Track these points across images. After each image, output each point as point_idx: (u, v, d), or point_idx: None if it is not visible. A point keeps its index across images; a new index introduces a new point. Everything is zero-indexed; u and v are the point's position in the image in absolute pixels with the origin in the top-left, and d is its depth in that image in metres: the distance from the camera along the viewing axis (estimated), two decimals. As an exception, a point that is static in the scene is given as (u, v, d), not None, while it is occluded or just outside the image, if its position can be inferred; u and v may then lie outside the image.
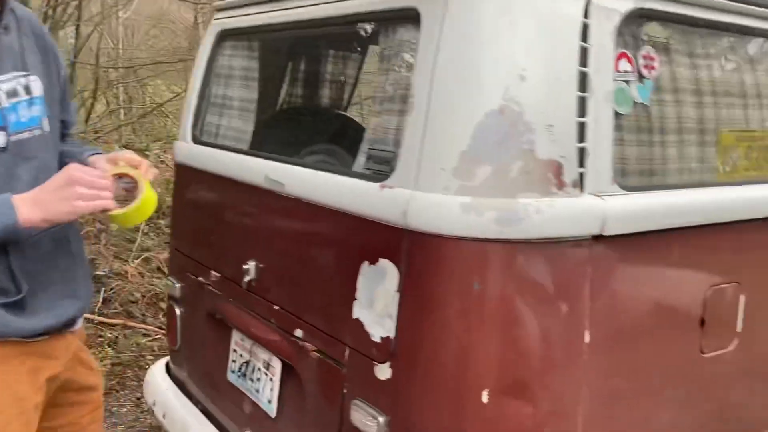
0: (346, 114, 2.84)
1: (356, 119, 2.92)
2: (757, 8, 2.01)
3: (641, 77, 1.77)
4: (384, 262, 1.62)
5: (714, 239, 1.89)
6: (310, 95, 2.53)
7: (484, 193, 1.49)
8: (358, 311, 1.69)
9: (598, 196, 1.61)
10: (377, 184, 1.65)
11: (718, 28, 1.96)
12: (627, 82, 1.73)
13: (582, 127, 1.58)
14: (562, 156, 1.54)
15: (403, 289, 1.57)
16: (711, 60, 1.96)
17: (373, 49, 2.73)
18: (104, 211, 1.49)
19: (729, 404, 2.05)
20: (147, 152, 8.65)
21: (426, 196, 1.53)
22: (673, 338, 1.83)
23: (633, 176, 1.74)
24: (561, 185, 1.54)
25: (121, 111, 9.60)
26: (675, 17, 1.84)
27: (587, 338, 1.62)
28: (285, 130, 2.55)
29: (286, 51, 2.54)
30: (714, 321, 1.90)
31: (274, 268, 2.06)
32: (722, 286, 1.92)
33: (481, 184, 1.49)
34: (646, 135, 1.78)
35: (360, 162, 1.81)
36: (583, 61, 1.60)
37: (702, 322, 1.88)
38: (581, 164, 1.58)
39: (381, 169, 1.71)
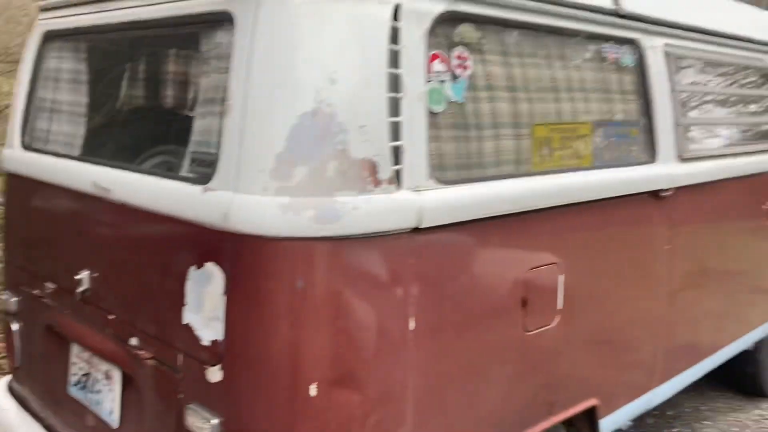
0: (186, 115, 2.80)
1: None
2: (563, 9, 2.18)
3: (455, 77, 1.87)
4: (209, 266, 1.63)
5: (531, 225, 2.03)
6: (145, 98, 2.48)
7: (301, 193, 1.53)
8: (188, 316, 1.69)
9: (415, 191, 1.69)
10: (201, 188, 1.65)
11: (528, 28, 2.11)
12: (441, 81, 1.83)
13: (396, 126, 1.66)
14: (377, 155, 1.61)
15: (229, 291, 1.59)
16: (523, 58, 2.10)
17: (197, 51, 2.71)
18: None
19: (555, 376, 2.22)
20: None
21: (246, 198, 1.55)
22: (497, 320, 1.96)
23: (450, 171, 1.84)
24: (377, 183, 1.61)
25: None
26: (486, 19, 1.96)
27: (412, 325, 1.70)
28: (119, 135, 2.48)
29: (116, 53, 2.47)
30: (535, 300, 2.06)
31: (107, 277, 2.02)
32: (541, 267, 2.08)
33: (298, 185, 1.53)
34: (462, 131, 1.89)
35: (185, 165, 1.80)
36: (395, 62, 1.67)
37: (524, 303, 2.02)
38: (397, 162, 1.66)
39: (205, 172, 1.71)
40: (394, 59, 1.67)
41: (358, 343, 1.62)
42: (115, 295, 1.99)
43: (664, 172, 2.58)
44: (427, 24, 1.76)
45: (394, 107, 1.66)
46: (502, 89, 2.02)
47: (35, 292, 2.36)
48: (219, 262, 1.60)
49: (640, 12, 2.53)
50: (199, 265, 1.65)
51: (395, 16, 1.69)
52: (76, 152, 2.34)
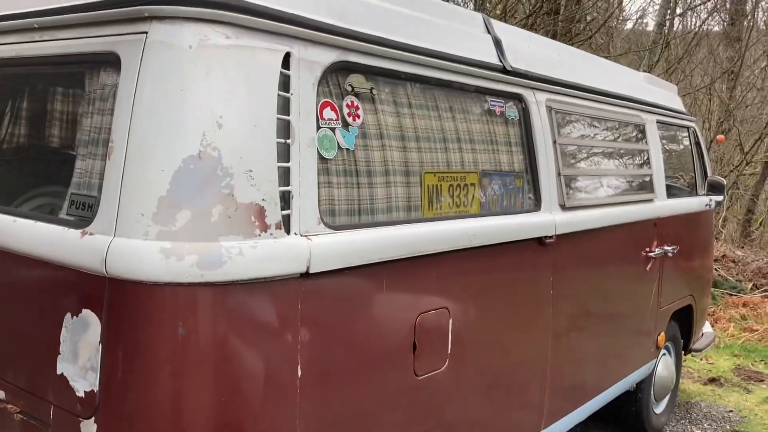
0: (67, 156, 2.70)
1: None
2: (452, 64, 2.28)
3: (346, 124, 1.91)
4: (86, 313, 1.56)
5: (421, 270, 2.08)
6: (26, 137, 2.37)
7: (184, 237, 1.51)
8: (62, 366, 1.60)
9: (304, 236, 1.70)
10: (78, 231, 1.59)
11: (418, 80, 2.19)
12: (332, 129, 1.86)
13: (285, 171, 1.67)
14: (264, 199, 1.61)
15: (105, 339, 1.52)
16: (413, 109, 2.18)
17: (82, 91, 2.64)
18: None
19: (446, 420, 2.24)
20: None
21: (126, 242, 1.51)
22: (387, 365, 1.97)
23: (341, 216, 1.86)
24: (264, 227, 1.60)
25: None
26: (377, 70, 2.02)
27: (299, 373, 1.68)
28: (2, 175, 2.36)
29: (-4, 89, 2.37)
30: (425, 345, 2.09)
31: (-25, 326, 1.88)
32: (431, 312, 2.12)
33: (181, 229, 1.51)
34: (353, 177, 1.92)
35: (65, 208, 1.73)
36: (285, 109, 1.69)
37: (414, 347, 2.05)
38: (286, 206, 1.67)
39: (84, 215, 1.65)
40: (285, 106, 1.69)
41: (244, 393, 1.58)
42: (-18, 345, 1.86)
43: (548, 219, 2.71)
44: (318, 73, 1.80)
45: (284, 153, 1.67)
46: (393, 138, 2.08)
47: None
48: (96, 309, 1.54)
49: (524, 69, 2.69)
50: (76, 313, 1.58)
51: (286, 64, 1.71)
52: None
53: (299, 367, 1.68)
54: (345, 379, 1.83)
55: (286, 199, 1.67)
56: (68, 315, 1.59)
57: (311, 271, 1.69)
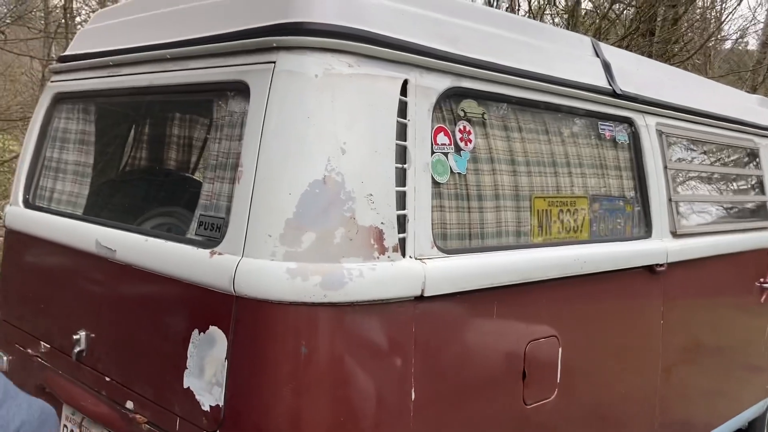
0: (192, 177, 2.84)
1: (199, 181, 2.92)
2: (562, 88, 2.26)
3: (458, 149, 1.93)
4: (213, 330, 1.63)
5: (531, 296, 2.05)
6: (152, 159, 2.52)
7: (309, 258, 1.55)
8: (189, 380, 1.68)
9: (418, 259, 1.72)
10: (207, 251, 1.67)
11: (529, 105, 2.18)
12: (445, 153, 1.88)
13: (402, 195, 1.70)
14: (383, 223, 1.64)
15: (231, 356, 1.58)
16: (523, 133, 2.17)
17: (210, 118, 2.78)
18: None
19: (553, 450, 2.19)
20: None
21: (253, 262, 1.57)
22: (497, 391, 1.95)
23: (453, 240, 1.87)
24: (383, 250, 1.63)
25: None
26: (489, 95, 2.03)
27: (413, 396, 1.69)
28: (124, 195, 2.51)
29: (124, 115, 2.53)
30: (535, 373, 2.05)
31: (105, 338, 2.00)
32: (540, 340, 2.09)
33: (306, 250, 1.56)
34: (464, 202, 1.93)
35: (193, 228, 1.82)
36: (402, 135, 1.72)
37: (524, 375, 2.02)
38: (402, 230, 1.69)
39: (212, 235, 1.73)
40: (402, 132, 1.72)
41: (362, 413, 1.61)
42: (112, 356, 1.97)
43: (659, 247, 2.62)
44: (433, 99, 1.83)
45: (401, 177, 1.70)
46: (503, 162, 2.07)
47: (29, 351, 2.33)
48: (223, 326, 1.60)
49: (634, 92, 2.63)
50: (203, 329, 1.65)
51: (403, 91, 1.75)
52: (80, 211, 2.36)
53: (413, 389, 1.69)
54: (456, 404, 1.83)
55: (401, 223, 1.70)
56: (196, 331, 1.67)
57: (425, 294, 1.70)
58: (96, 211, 2.35)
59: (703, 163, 3.21)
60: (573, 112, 2.38)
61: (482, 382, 1.90)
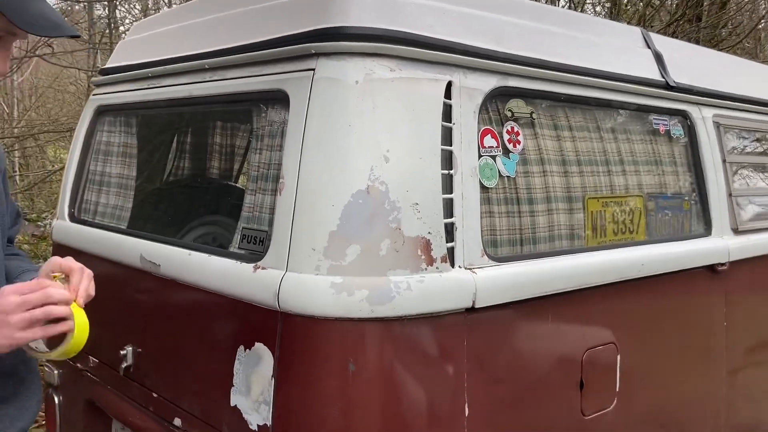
0: (234, 185, 2.82)
1: (242, 190, 2.90)
2: (612, 82, 2.16)
3: (507, 151, 1.85)
4: (259, 347, 1.58)
5: (587, 303, 1.96)
6: (193, 171, 2.50)
7: (354, 272, 1.50)
8: (236, 398, 1.64)
9: (468, 269, 1.65)
10: (251, 265, 1.63)
11: (578, 102, 2.09)
12: (493, 157, 1.80)
13: (449, 203, 1.63)
14: (430, 232, 1.57)
15: (277, 374, 1.54)
16: (573, 132, 2.07)
17: (250, 127, 2.76)
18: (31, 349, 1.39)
19: (613, 462, 2.10)
20: (39, 222, 8.26)
21: (298, 276, 1.52)
22: (554, 403, 1.87)
23: (503, 247, 1.79)
24: (430, 261, 1.57)
25: (17, 178, 9.18)
26: (536, 93, 1.94)
27: (467, 412, 1.62)
28: (166, 207, 2.50)
29: (166, 127, 2.52)
30: (593, 382, 1.96)
31: (152, 353, 1.98)
32: (598, 347, 1.99)
33: (351, 264, 1.50)
34: (514, 206, 1.85)
35: (236, 241, 1.78)
36: (447, 139, 1.65)
37: (581, 385, 1.93)
38: (450, 239, 1.62)
39: (255, 249, 1.69)
40: (447, 136, 1.65)
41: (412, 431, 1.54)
42: (158, 372, 1.95)
43: (720, 245, 2.49)
44: (478, 100, 1.75)
45: (447, 184, 1.64)
46: (554, 163, 1.99)
47: (78, 365, 2.34)
48: (268, 343, 1.56)
49: (688, 83, 2.51)
50: (248, 346, 1.61)
51: (447, 93, 1.68)
52: (124, 224, 2.36)
53: (466, 405, 1.62)
54: (511, 419, 1.75)
55: (449, 232, 1.63)
56: (241, 348, 1.63)
57: (476, 305, 1.63)
58: (140, 223, 2.34)
59: (764, 154, 3.05)
60: (624, 107, 2.27)
61: (538, 395, 1.82)
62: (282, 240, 1.56)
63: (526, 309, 1.77)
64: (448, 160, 1.65)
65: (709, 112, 2.61)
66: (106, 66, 2.53)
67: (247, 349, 1.61)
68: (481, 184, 1.73)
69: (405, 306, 1.51)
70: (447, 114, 1.66)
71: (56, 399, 2.49)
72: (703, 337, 2.47)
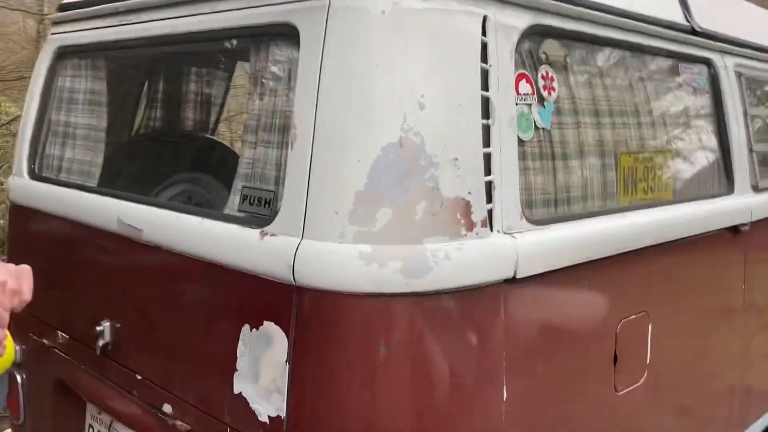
0: (214, 138, 2.54)
1: (226, 145, 2.61)
2: (642, 24, 1.94)
3: (542, 99, 1.62)
4: (269, 326, 1.35)
5: (621, 269, 1.77)
6: (171, 120, 2.21)
7: (386, 239, 1.27)
8: (240, 384, 1.41)
9: (508, 233, 1.43)
10: (256, 231, 1.39)
11: (609, 44, 1.87)
12: (528, 105, 1.58)
13: (487, 158, 1.41)
14: (470, 192, 1.35)
15: (293, 358, 1.31)
16: (605, 78, 1.86)
17: (243, 68, 2.47)
18: None
19: (640, 438, 1.95)
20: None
21: (317, 245, 1.28)
22: (589, 380, 1.70)
23: (539, 209, 1.59)
24: (470, 226, 1.35)
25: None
26: (570, 34, 1.72)
27: (505, 395, 1.43)
28: (142, 161, 2.21)
29: (138, 70, 2.21)
30: (626, 356, 1.79)
31: (135, 330, 1.74)
32: (632, 317, 1.82)
33: (381, 230, 1.27)
34: (548, 162, 1.64)
35: (233, 202, 1.53)
36: (485, 84, 1.42)
37: (615, 359, 1.76)
38: (488, 199, 1.40)
39: (260, 212, 1.44)
40: (485, 80, 1.42)
41: (450, 421, 1.34)
42: (144, 351, 1.71)
43: (743, 204, 2.34)
44: (514, 39, 1.52)
45: (485, 136, 1.41)
46: (587, 114, 1.77)
47: (44, 341, 2.07)
48: (281, 323, 1.33)
49: (713, 30, 2.31)
50: (255, 325, 1.38)
51: (484, 30, 1.44)
52: (94, 182, 2.07)
53: (504, 389, 1.43)
54: (550, 400, 1.57)
55: (488, 191, 1.41)
56: (246, 327, 1.40)
57: (517, 275, 1.42)
58: (113, 181, 2.06)
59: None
60: (653, 52, 2.06)
61: (575, 372, 1.64)
62: (296, 202, 1.32)
63: (563, 278, 1.57)
64: (485, 108, 1.42)
65: (731, 61, 2.42)
66: (67, 0, 2.19)
67: (254, 329, 1.38)
68: (517, 136, 1.51)
69: (443, 278, 1.29)
70: (484, 54, 1.43)
71: (19, 378, 2.23)
72: (723, 300, 2.34)
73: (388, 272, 1.25)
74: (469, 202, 1.34)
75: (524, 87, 1.57)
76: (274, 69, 1.48)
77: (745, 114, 2.45)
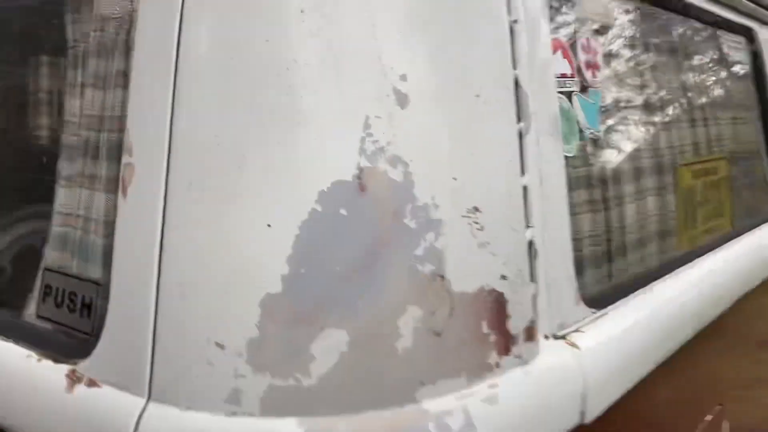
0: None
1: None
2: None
3: (584, 85, 0.95)
4: None
5: (694, 369, 1.12)
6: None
7: (332, 402, 0.56)
8: None
9: (562, 338, 0.75)
10: (61, 371, 0.65)
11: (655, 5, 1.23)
12: (568, 94, 0.91)
13: (524, 195, 0.72)
14: (504, 276, 0.66)
15: None
16: (652, 54, 1.22)
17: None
18: None
19: None
20: None
21: (181, 418, 0.56)
22: None
23: (595, 278, 0.92)
24: (506, 344, 0.66)
25: None
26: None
27: None
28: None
29: None
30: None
31: None
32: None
33: (323, 381, 0.56)
34: (598, 191, 0.97)
35: (32, 304, 0.79)
36: (513, 55, 0.73)
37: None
38: (532, 277, 0.72)
39: (74, 326, 0.71)
40: (513, 48, 0.73)
41: None
42: None
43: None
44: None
45: (520, 154, 0.72)
46: (642, 108, 1.12)
47: None
48: None
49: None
50: None
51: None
52: None
53: None
54: None
55: (530, 263, 0.72)
56: None
57: (586, 419, 0.74)
58: None
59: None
60: (698, 18, 1.44)
61: None
62: (133, 315, 0.60)
63: (635, 397, 0.90)
64: (516, 101, 0.73)
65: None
66: None
67: None
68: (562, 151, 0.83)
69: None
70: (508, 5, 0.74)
71: None
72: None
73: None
74: (502, 295, 0.65)
75: (560, 63, 0.90)
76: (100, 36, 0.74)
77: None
